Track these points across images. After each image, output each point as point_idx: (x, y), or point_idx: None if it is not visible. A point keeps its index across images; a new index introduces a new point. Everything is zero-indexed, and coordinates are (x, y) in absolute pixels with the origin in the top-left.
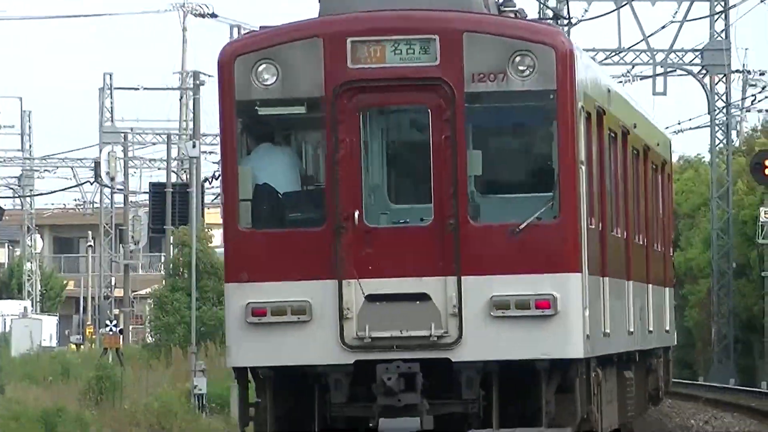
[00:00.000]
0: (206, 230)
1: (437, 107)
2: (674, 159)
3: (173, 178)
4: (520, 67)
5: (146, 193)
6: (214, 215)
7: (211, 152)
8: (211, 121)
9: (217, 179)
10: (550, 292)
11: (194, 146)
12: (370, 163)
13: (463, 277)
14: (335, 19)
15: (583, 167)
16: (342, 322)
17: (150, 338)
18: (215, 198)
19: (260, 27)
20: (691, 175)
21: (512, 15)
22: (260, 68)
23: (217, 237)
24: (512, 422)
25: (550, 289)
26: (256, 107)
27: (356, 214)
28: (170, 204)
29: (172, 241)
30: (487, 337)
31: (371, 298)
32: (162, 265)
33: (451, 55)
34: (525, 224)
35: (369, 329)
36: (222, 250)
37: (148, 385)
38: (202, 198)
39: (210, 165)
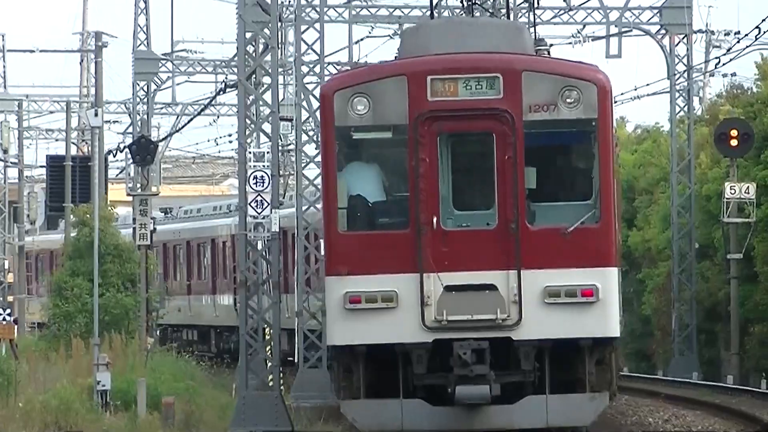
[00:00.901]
0: (110, 208)
1: (501, 132)
2: (630, 129)
3: (73, 150)
4: (568, 100)
5: (43, 167)
6: (118, 191)
7: (114, 121)
8: (114, 87)
9: (121, 151)
10: (593, 283)
11: (96, 115)
12: (441, 176)
13: (522, 271)
14: (417, 61)
15: (614, 180)
16: (423, 308)
17: (34, 331)
18: (120, 172)
19: (352, 66)
20: (649, 146)
21: (546, 53)
22: (355, 100)
23: (122, 214)
24: (561, 389)
25: (593, 280)
26: (351, 132)
27: (434, 219)
28: (70, 179)
29: (72, 220)
30: (542, 319)
31: (448, 288)
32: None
33: (512, 89)
34: (573, 228)
35: (446, 313)
36: (127, 230)
37: (45, 380)
38: (106, 172)
39: (113, 136)
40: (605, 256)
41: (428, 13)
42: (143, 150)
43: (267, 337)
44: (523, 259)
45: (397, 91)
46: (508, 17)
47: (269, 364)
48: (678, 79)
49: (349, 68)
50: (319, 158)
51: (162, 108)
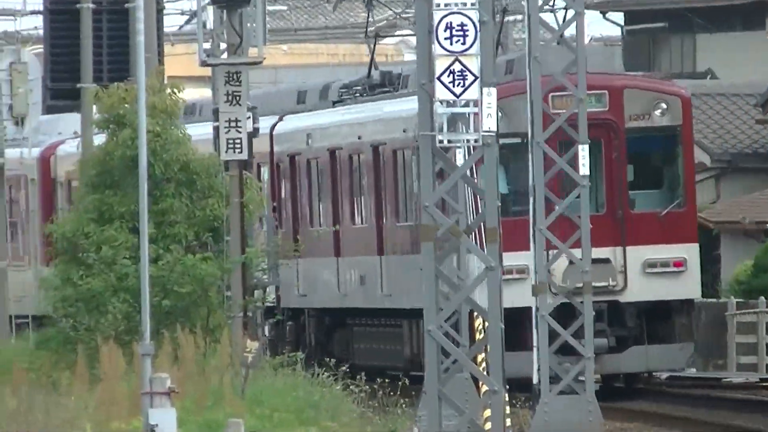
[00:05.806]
0: (170, 91)
1: (608, 137)
2: None
3: None
4: (658, 111)
5: (36, 13)
6: (181, 60)
7: None
8: None
9: None
10: (682, 256)
11: None
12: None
13: (627, 247)
14: (541, 82)
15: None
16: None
17: (25, 331)
18: (187, 21)
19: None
20: None
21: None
22: None
23: (193, 101)
24: (656, 340)
25: (682, 253)
26: None
27: (556, 207)
28: (90, 36)
29: (96, 117)
30: (642, 285)
31: (570, 262)
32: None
33: (616, 103)
34: (665, 212)
35: (569, 282)
36: (204, 133)
37: (48, 425)
38: (160, 23)
39: None
40: (690, 235)
41: None
42: None
43: (478, 336)
44: (627, 238)
45: (525, 106)
46: None
47: (483, 388)
48: None
49: None
50: None
51: None
